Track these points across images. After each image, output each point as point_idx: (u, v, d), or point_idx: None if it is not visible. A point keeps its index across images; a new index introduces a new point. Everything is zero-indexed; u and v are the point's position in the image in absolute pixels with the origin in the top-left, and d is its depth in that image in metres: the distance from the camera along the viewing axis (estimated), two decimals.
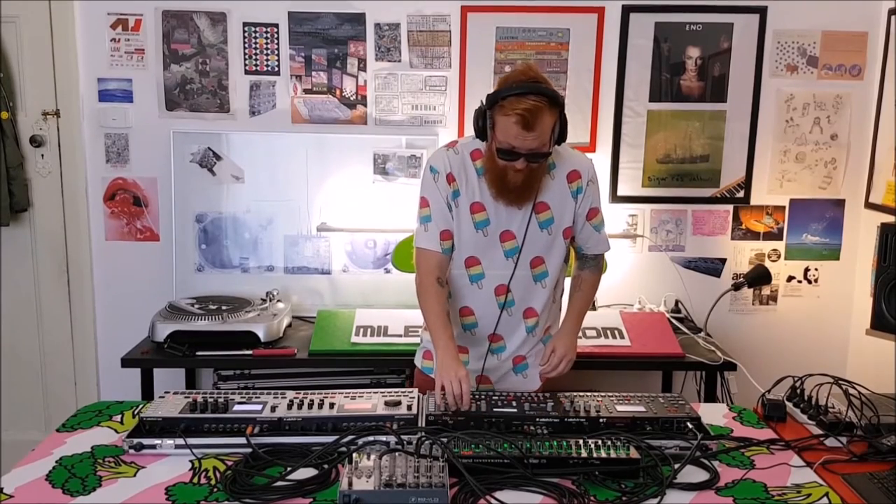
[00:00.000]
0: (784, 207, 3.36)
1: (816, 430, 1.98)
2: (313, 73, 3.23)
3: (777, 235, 3.38)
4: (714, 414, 2.11)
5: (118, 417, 2.05)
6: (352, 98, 3.25)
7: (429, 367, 2.31)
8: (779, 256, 3.39)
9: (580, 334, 2.35)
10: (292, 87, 3.24)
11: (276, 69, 3.23)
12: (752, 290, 3.37)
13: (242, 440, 1.81)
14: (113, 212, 3.31)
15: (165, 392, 2.01)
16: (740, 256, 3.39)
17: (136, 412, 2.05)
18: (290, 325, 3.11)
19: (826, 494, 1.67)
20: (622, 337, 2.94)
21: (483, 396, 2.01)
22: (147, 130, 3.24)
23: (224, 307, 2.99)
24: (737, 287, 3.27)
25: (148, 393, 2.91)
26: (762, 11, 3.20)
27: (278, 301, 3.11)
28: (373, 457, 1.66)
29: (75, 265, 3.32)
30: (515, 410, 1.93)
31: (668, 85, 3.26)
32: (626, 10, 3.19)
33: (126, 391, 3.09)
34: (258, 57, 3.21)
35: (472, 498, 1.62)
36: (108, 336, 3.36)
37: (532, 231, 2.16)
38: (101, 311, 3.38)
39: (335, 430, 1.86)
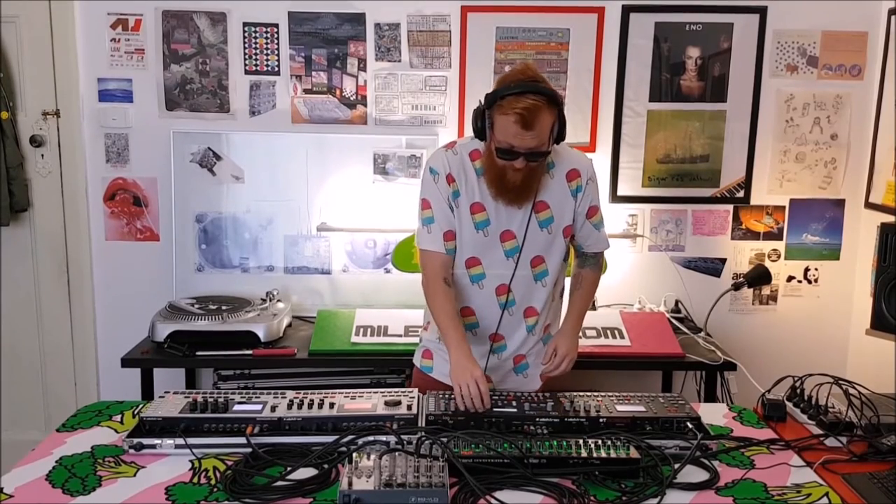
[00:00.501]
0: (784, 207, 3.36)
1: (816, 430, 1.98)
2: (313, 73, 3.23)
3: (777, 235, 3.38)
4: (714, 414, 2.11)
5: (118, 417, 2.05)
6: (352, 98, 3.25)
7: (428, 367, 2.31)
8: (779, 256, 3.39)
9: (580, 334, 2.35)
10: (292, 87, 3.24)
11: (276, 69, 3.23)
12: (752, 290, 3.37)
13: (242, 440, 1.81)
14: (113, 212, 3.31)
15: (165, 392, 2.01)
16: (740, 256, 3.39)
17: (136, 412, 2.05)
18: (290, 325, 3.11)
19: (826, 494, 1.67)
20: (622, 337, 2.94)
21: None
22: (147, 130, 3.24)
23: (224, 307, 2.99)
24: (737, 287, 3.27)
25: (148, 393, 2.91)
26: (762, 11, 3.20)
27: (278, 301, 3.11)
28: (373, 457, 1.66)
29: (75, 265, 3.32)
30: (515, 410, 1.93)
31: (668, 85, 3.26)
32: (626, 10, 3.19)
33: (126, 391, 3.08)
34: (258, 57, 3.21)
35: (472, 498, 1.62)
36: (108, 336, 3.36)
37: (532, 230, 2.16)
38: (101, 311, 3.38)
39: (335, 430, 1.86)
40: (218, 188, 3.25)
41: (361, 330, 2.97)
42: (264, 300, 3.07)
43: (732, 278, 3.36)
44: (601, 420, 1.90)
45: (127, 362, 2.85)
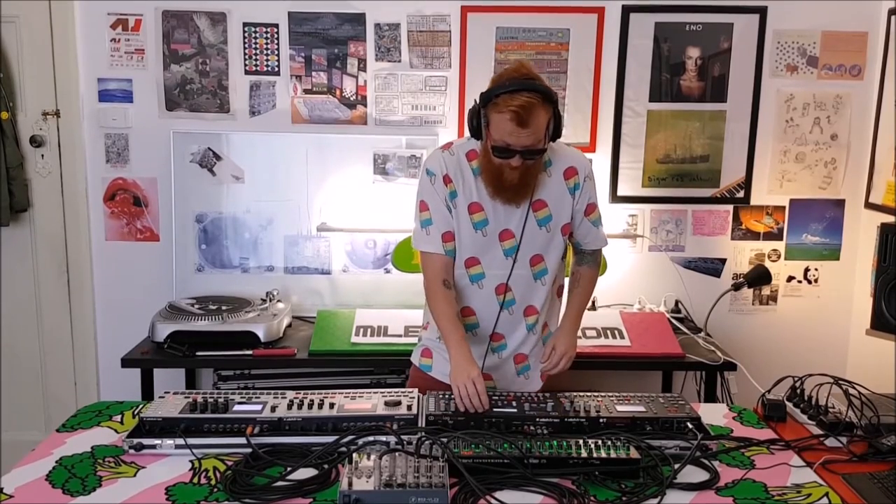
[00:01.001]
0: (784, 207, 3.36)
1: (816, 430, 1.98)
2: (313, 73, 3.23)
3: (777, 235, 3.38)
4: (714, 414, 2.11)
5: (118, 417, 2.05)
6: (352, 98, 3.25)
7: (427, 365, 2.31)
8: (779, 256, 3.39)
9: (580, 334, 2.35)
10: (292, 87, 3.24)
11: (276, 69, 3.23)
12: (752, 290, 3.37)
13: (242, 440, 1.81)
14: (113, 212, 3.31)
15: (165, 392, 2.01)
16: (740, 256, 3.39)
17: (136, 412, 2.05)
18: (290, 325, 3.11)
19: (826, 494, 1.67)
20: (622, 337, 2.94)
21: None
22: (147, 130, 3.24)
23: (224, 307, 2.99)
24: (737, 287, 3.27)
25: (148, 393, 2.91)
26: (762, 11, 3.20)
27: (278, 301, 3.11)
28: (373, 457, 1.66)
29: (75, 265, 3.32)
30: (515, 410, 1.93)
31: (668, 85, 3.26)
32: (626, 10, 3.19)
33: (126, 391, 3.08)
34: (258, 57, 3.21)
35: (472, 498, 1.62)
36: (108, 336, 3.36)
37: (530, 229, 2.16)
38: (101, 311, 3.38)
39: (335, 430, 1.86)
40: (218, 188, 3.25)
41: (361, 330, 2.97)
42: (264, 300, 3.07)
43: (732, 278, 3.36)
44: (601, 420, 1.90)
45: (127, 362, 2.85)
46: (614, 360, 2.88)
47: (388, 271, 3.31)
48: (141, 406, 2.09)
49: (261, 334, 2.88)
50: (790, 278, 3.41)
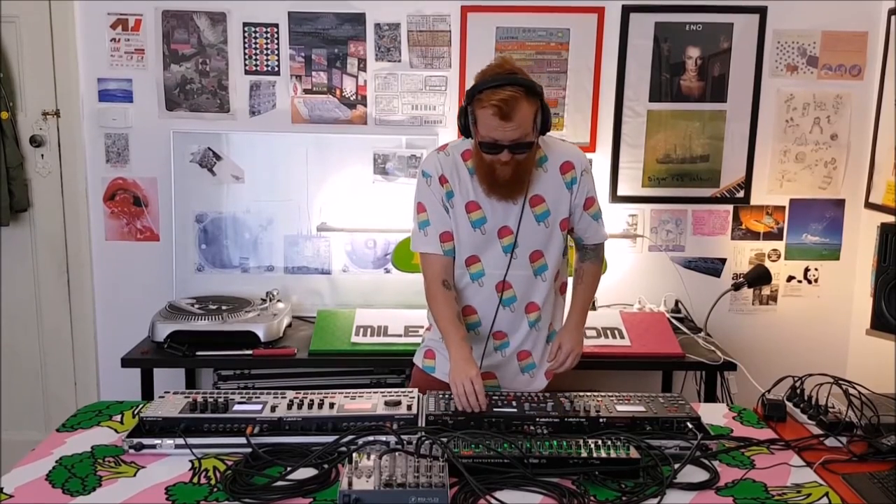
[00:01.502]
0: (784, 207, 3.36)
1: (816, 430, 1.98)
2: (313, 73, 3.23)
3: (777, 235, 3.38)
4: (714, 414, 2.11)
5: (118, 417, 2.05)
6: (352, 98, 3.25)
7: (430, 367, 2.31)
8: (779, 256, 3.39)
9: None
10: (292, 87, 3.24)
11: (276, 69, 3.23)
12: (752, 290, 3.37)
13: (242, 440, 1.81)
14: (113, 212, 3.31)
15: (165, 392, 2.01)
16: (740, 256, 3.39)
17: (136, 412, 2.05)
18: (290, 325, 3.10)
19: (826, 494, 1.67)
20: (622, 337, 2.94)
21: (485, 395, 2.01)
22: (147, 130, 3.24)
23: (224, 307, 2.99)
24: (737, 287, 3.27)
25: (148, 393, 2.91)
26: (762, 11, 3.20)
27: (278, 301, 3.11)
28: (373, 457, 1.66)
29: (75, 265, 3.32)
30: (515, 410, 1.93)
31: (668, 85, 3.26)
32: (626, 10, 3.19)
33: (126, 391, 3.08)
34: (258, 57, 3.21)
35: (472, 498, 1.62)
36: (108, 336, 3.36)
37: (529, 225, 2.16)
38: (101, 311, 3.38)
39: (335, 430, 1.86)
40: (218, 188, 3.25)
41: (361, 330, 2.97)
42: (264, 300, 3.07)
43: (732, 278, 3.36)
44: (601, 420, 1.90)
45: (127, 362, 2.85)
46: (614, 360, 2.88)
47: (388, 271, 3.31)
48: (141, 406, 2.09)
49: (261, 334, 2.88)
50: (790, 278, 3.41)
